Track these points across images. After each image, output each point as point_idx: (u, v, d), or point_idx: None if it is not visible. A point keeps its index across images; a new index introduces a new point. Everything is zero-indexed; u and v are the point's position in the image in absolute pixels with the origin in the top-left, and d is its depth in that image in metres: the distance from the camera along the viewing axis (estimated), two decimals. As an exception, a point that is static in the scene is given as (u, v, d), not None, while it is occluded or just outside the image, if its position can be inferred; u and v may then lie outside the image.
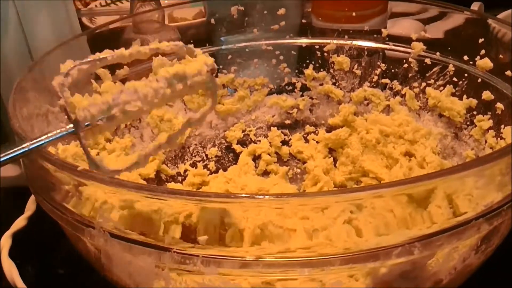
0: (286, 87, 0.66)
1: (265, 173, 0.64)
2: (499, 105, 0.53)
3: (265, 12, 0.64)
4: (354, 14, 0.63)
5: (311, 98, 0.65)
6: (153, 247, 0.34)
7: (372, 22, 0.63)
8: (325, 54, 0.63)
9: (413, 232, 0.34)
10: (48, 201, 0.39)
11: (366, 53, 0.62)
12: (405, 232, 0.34)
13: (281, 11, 0.63)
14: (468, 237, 0.36)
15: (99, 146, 0.54)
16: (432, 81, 0.59)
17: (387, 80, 0.62)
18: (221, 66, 0.64)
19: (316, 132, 0.65)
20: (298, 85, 0.65)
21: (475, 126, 0.56)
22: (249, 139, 0.65)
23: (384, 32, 0.61)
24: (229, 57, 0.64)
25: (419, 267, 0.37)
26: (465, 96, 0.57)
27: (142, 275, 0.38)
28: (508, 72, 0.52)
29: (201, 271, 0.34)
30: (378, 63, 0.62)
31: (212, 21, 0.64)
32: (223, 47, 0.65)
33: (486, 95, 0.54)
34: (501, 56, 0.53)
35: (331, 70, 0.64)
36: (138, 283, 0.39)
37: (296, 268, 0.34)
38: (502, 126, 0.53)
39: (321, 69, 0.64)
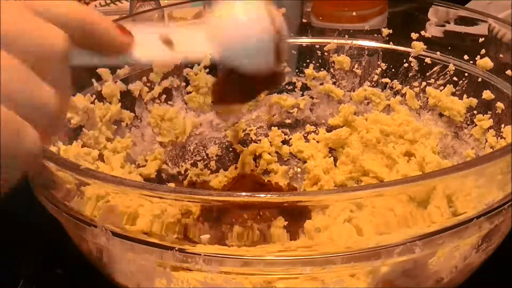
0: (287, 86, 0.65)
1: (266, 173, 0.64)
2: (499, 105, 0.53)
3: (266, 11, 0.63)
4: (354, 13, 0.63)
5: (312, 97, 0.65)
6: (155, 245, 0.34)
7: (372, 21, 0.63)
8: (326, 53, 0.63)
9: (414, 230, 0.34)
10: (50, 200, 0.39)
11: (366, 53, 0.62)
12: (406, 231, 0.34)
13: (281, 10, 0.63)
14: (469, 236, 0.36)
15: (100, 145, 0.54)
16: (432, 80, 0.59)
17: (387, 80, 0.62)
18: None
19: (317, 131, 0.65)
20: (299, 84, 0.65)
21: (476, 125, 0.56)
22: (250, 139, 0.65)
23: (384, 31, 0.61)
24: (230, 56, 0.64)
25: (420, 266, 0.37)
26: (465, 96, 0.57)
27: (143, 274, 0.38)
28: (508, 72, 0.52)
29: (203, 270, 0.34)
30: (379, 62, 0.62)
31: (213, 20, 0.64)
32: (224, 46, 0.64)
33: (486, 94, 0.54)
34: (501, 55, 0.53)
35: (332, 70, 0.64)
36: (139, 282, 0.39)
37: (297, 267, 0.34)
38: (502, 125, 0.53)
39: (322, 69, 0.64)
